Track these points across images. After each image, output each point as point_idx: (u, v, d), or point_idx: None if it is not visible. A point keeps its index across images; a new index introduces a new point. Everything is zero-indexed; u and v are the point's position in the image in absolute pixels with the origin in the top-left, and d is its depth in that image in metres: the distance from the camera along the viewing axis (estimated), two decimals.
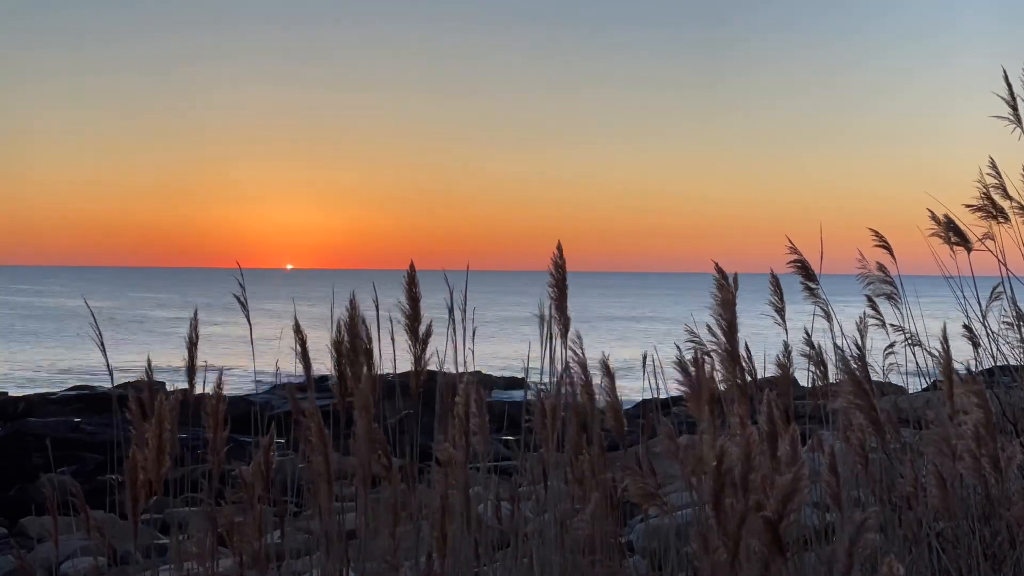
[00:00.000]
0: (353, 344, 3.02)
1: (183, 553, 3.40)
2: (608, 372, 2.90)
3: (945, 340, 3.64)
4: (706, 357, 3.26)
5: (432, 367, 3.48)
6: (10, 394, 21.45)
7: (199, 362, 3.57)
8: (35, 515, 9.24)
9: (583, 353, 2.96)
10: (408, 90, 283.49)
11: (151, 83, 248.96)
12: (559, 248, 3.35)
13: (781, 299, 4.01)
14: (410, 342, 3.18)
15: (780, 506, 1.47)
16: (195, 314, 3.50)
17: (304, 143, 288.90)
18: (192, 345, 3.47)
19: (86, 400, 19.25)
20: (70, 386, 23.19)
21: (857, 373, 2.91)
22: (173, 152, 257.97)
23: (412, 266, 3.24)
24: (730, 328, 2.97)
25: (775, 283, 4.00)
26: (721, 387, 3.10)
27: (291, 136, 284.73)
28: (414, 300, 3.19)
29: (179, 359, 3.56)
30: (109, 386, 3.70)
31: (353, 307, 3.04)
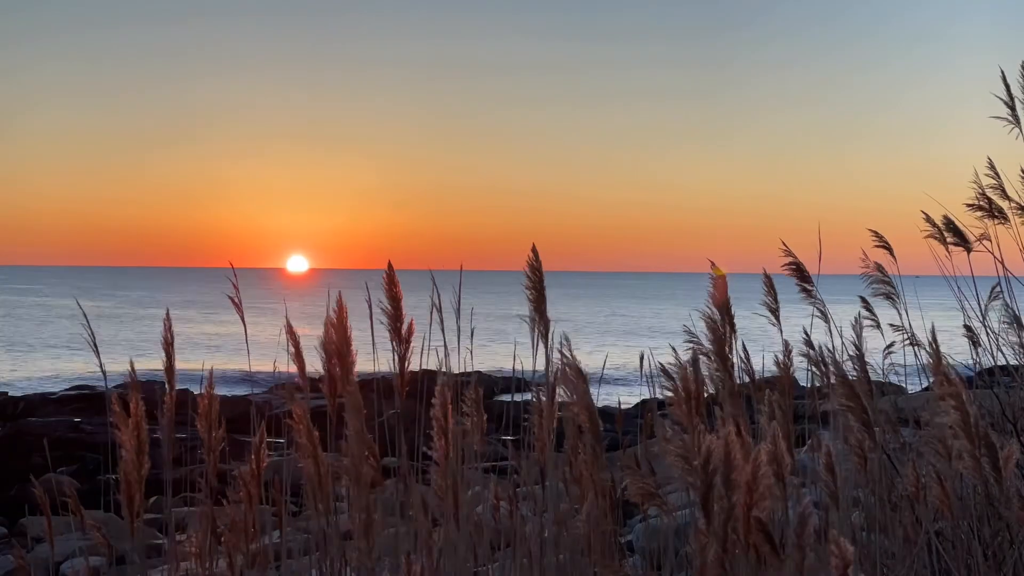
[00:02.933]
0: (340, 344, 3.02)
1: (180, 553, 3.39)
2: (580, 374, 2.88)
3: (934, 340, 3.64)
4: (701, 357, 3.26)
5: (432, 367, 3.47)
6: (10, 394, 21.46)
7: (195, 362, 3.56)
8: (35, 515, 9.25)
9: (571, 354, 2.95)
10: (416, 90, 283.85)
11: (152, 81, 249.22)
12: (534, 251, 3.33)
13: (775, 299, 4.01)
14: (393, 342, 3.17)
15: (747, 496, 1.49)
16: (167, 314, 3.49)
17: (313, 142, 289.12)
18: (168, 345, 3.46)
19: (86, 400, 19.26)
20: (70, 386, 23.21)
21: (849, 375, 2.91)
22: (176, 151, 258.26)
23: (390, 265, 3.24)
24: (725, 327, 2.97)
25: (768, 283, 4.00)
26: (711, 388, 3.10)
27: (298, 136, 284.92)
28: (395, 300, 3.18)
29: (179, 360, 3.54)
30: (111, 387, 3.68)
31: (340, 307, 3.03)
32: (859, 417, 2.77)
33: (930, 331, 3.72)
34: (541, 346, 3.35)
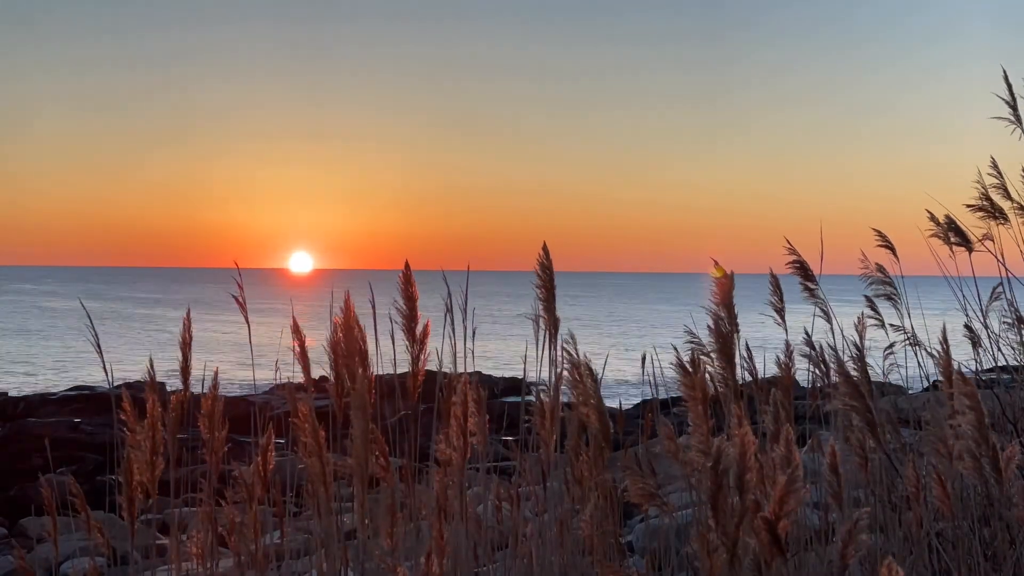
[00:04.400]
0: (348, 345, 3.00)
1: (182, 553, 3.39)
2: (590, 373, 2.87)
3: (945, 341, 3.63)
4: (703, 357, 3.26)
5: (432, 367, 3.47)
6: (10, 394, 21.44)
7: (197, 363, 3.54)
8: (35, 515, 9.24)
9: (576, 354, 2.93)
10: (422, 92, 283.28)
11: (156, 83, 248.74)
12: (544, 250, 3.32)
13: (781, 299, 4.00)
14: (407, 342, 3.15)
15: (777, 507, 1.47)
16: (188, 314, 3.42)
17: (319, 143, 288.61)
18: (185, 345, 3.40)
19: (86, 400, 19.23)
20: (70, 386, 23.17)
21: (852, 374, 2.90)
22: (180, 153, 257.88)
23: (407, 266, 3.21)
24: (728, 327, 2.96)
25: (775, 283, 3.99)
26: (716, 387, 3.09)
27: (302, 137, 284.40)
28: (410, 300, 3.16)
29: (178, 360, 3.53)
30: (109, 387, 3.67)
31: (348, 307, 3.01)
32: (863, 417, 2.76)
33: (940, 332, 3.72)
34: (546, 345, 3.34)
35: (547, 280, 3.30)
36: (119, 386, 4.08)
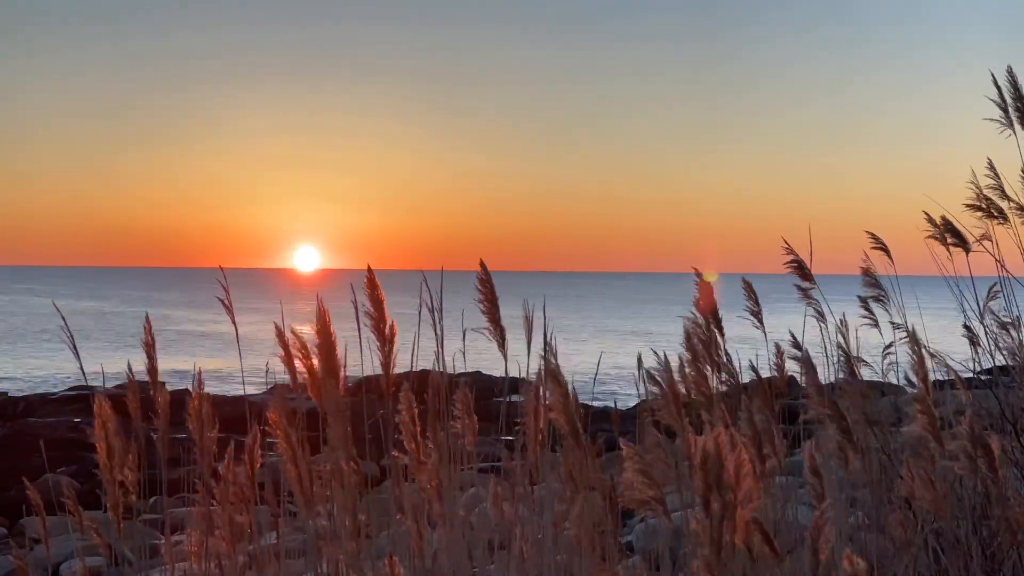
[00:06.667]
0: (325, 346, 3.03)
1: (176, 554, 3.39)
2: (556, 377, 2.89)
3: (916, 341, 3.64)
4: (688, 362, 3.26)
5: (428, 366, 3.48)
6: (10, 394, 21.47)
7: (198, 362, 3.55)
8: (34, 515, 9.23)
9: (554, 359, 2.96)
10: (426, 92, 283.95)
11: (159, 79, 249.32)
12: (483, 266, 3.42)
13: (756, 303, 4.02)
14: (378, 343, 3.18)
15: (733, 496, 1.50)
16: (147, 319, 3.54)
17: (325, 143, 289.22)
18: (149, 347, 3.49)
19: (86, 400, 19.16)
20: (70, 386, 23.19)
21: (839, 377, 2.91)
22: (182, 153, 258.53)
23: (369, 268, 3.25)
24: (711, 331, 2.98)
25: (748, 288, 4.02)
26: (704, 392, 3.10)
27: (309, 136, 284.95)
28: (377, 302, 3.19)
29: (183, 361, 3.55)
30: (108, 387, 3.69)
31: (320, 309, 3.04)
32: (839, 424, 2.77)
33: (919, 332, 3.72)
34: (538, 348, 3.36)
35: (488, 292, 3.40)
36: (117, 386, 4.09)
